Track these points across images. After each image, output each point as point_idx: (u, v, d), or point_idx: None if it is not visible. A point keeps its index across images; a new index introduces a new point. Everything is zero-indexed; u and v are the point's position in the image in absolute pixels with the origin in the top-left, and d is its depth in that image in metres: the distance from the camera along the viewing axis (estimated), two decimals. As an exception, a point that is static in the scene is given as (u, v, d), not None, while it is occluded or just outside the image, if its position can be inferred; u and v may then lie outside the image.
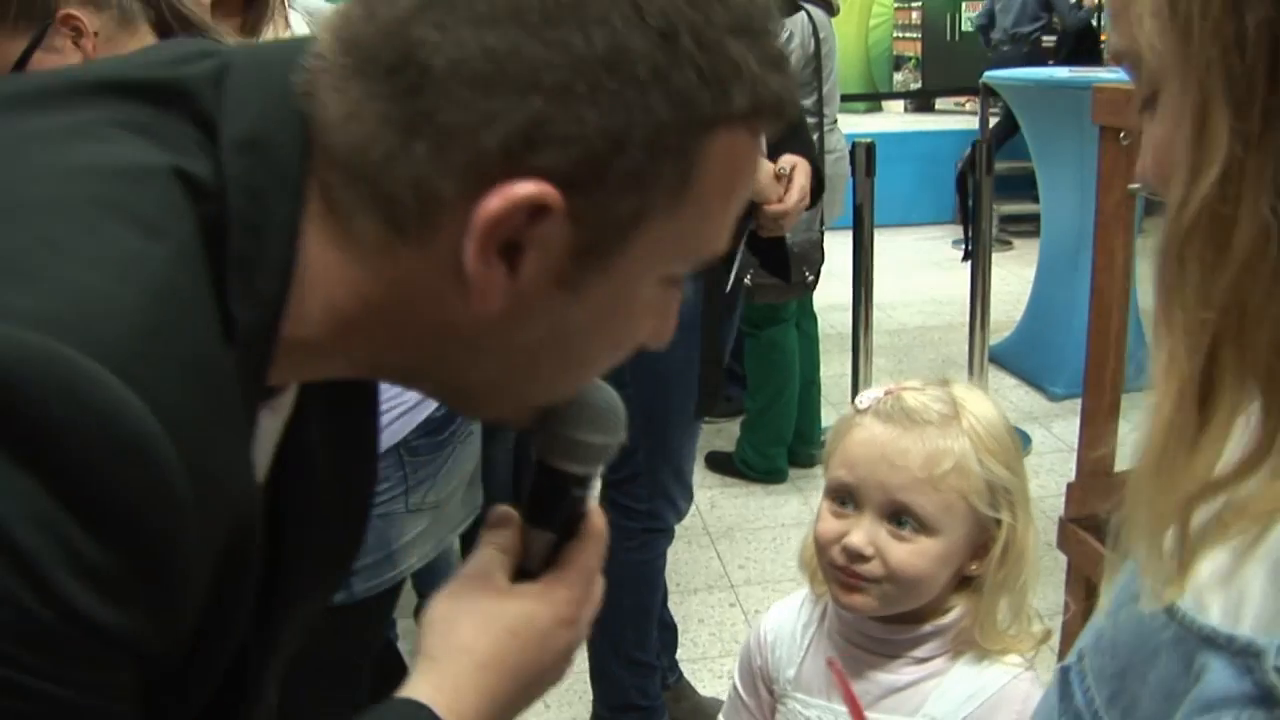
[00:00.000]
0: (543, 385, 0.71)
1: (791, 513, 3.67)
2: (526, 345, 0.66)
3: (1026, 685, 1.15)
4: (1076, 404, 2.49)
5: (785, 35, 3.46)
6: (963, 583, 1.18)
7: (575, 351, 0.68)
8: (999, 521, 1.14)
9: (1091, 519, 2.40)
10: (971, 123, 8.41)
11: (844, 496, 1.17)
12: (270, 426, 0.69)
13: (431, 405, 1.49)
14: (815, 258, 3.57)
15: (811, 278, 3.57)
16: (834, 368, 4.73)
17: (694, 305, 2.06)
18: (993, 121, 7.49)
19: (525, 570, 0.75)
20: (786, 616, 1.30)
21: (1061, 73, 4.81)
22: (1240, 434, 0.54)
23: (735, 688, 1.33)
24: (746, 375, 4.07)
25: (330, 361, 0.66)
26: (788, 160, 2.05)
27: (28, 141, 0.60)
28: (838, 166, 3.67)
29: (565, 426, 0.74)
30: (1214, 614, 0.52)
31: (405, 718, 0.66)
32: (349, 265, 0.62)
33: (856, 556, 1.14)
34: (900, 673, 1.18)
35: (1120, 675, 0.60)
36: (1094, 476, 2.44)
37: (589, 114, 0.57)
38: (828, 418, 4.15)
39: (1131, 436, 0.62)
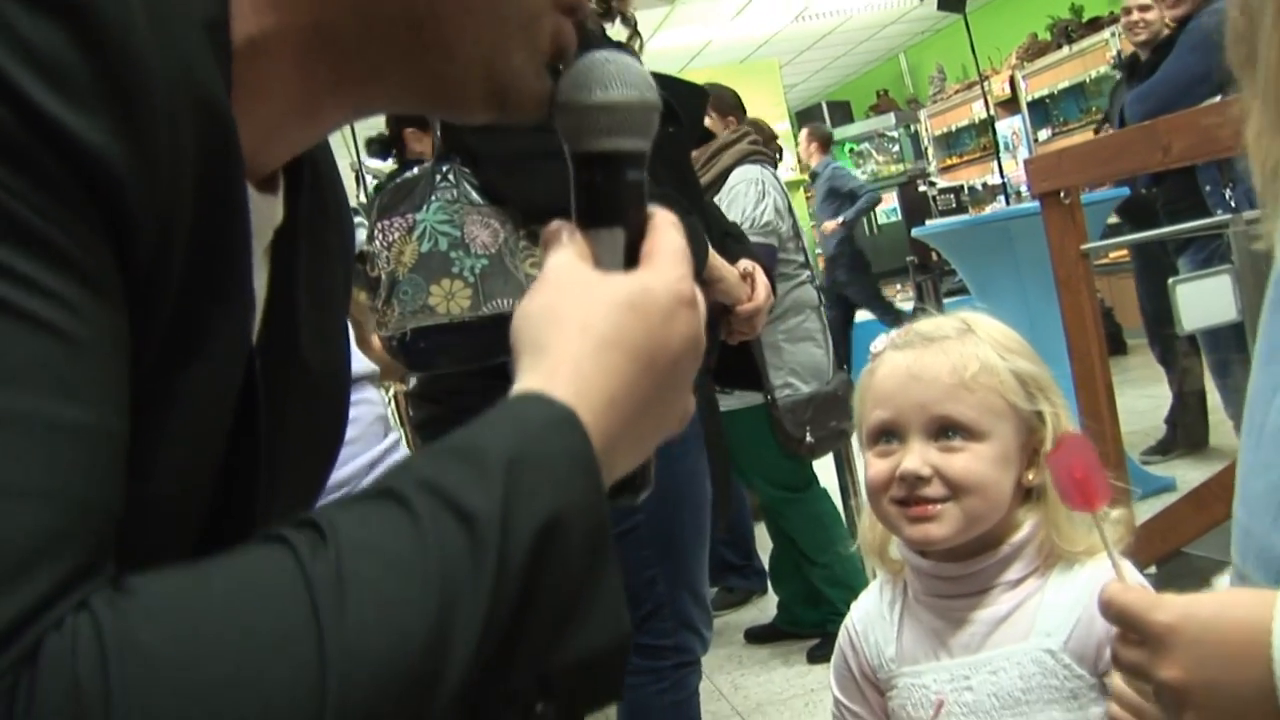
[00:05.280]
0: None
1: (818, 678, 3.49)
2: None
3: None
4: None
5: (759, 189, 3.59)
6: (1026, 497, 1.18)
7: None
8: (1040, 417, 1.15)
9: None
10: (907, 307, 8.64)
11: (886, 433, 1.17)
12: (261, 214, 0.58)
13: None
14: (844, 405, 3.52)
15: (846, 423, 3.48)
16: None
17: (694, 419, 2.02)
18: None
19: None
20: (869, 603, 1.27)
21: (982, 215, 5.00)
22: None
23: (838, 703, 1.26)
24: (798, 542, 3.84)
25: (280, 72, 0.56)
26: (745, 263, 2.08)
27: None
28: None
29: (593, 93, 0.62)
30: None
31: (520, 412, 0.51)
32: None
33: (915, 480, 1.13)
34: (999, 602, 1.15)
35: None
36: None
37: None
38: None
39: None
